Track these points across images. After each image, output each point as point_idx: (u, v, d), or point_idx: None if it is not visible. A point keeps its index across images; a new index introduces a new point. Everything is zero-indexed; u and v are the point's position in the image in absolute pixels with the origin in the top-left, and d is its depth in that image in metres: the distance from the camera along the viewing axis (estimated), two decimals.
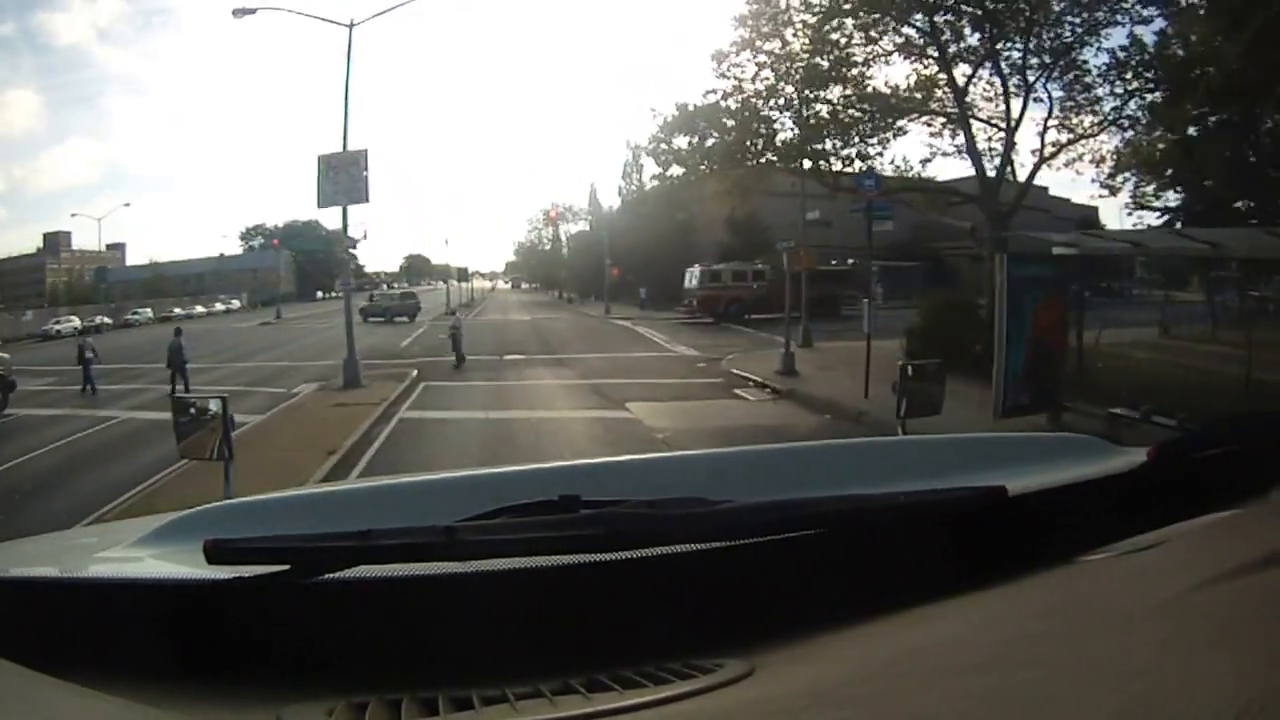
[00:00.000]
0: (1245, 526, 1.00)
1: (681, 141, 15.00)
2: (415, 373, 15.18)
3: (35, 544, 1.49)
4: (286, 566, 0.85)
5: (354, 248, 69.67)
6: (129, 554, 1.11)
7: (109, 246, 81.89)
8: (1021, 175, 15.27)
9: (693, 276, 28.39)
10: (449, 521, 0.87)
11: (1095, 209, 32.84)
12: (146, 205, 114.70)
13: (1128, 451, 1.32)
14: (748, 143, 14.66)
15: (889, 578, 0.92)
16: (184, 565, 0.98)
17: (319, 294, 65.31)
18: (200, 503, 1.30)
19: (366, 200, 14.00)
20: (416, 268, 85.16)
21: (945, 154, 15.88)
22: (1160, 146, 15.60)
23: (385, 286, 67.86)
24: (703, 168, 15.43)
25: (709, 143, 14.71)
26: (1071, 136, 15.07)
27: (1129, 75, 14.17)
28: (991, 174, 14.83)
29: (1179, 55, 13.46)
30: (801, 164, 15.00)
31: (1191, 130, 14.72)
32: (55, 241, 68.98)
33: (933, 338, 13.30)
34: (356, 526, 0.87)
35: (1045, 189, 25.36)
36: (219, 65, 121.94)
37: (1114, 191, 19.40)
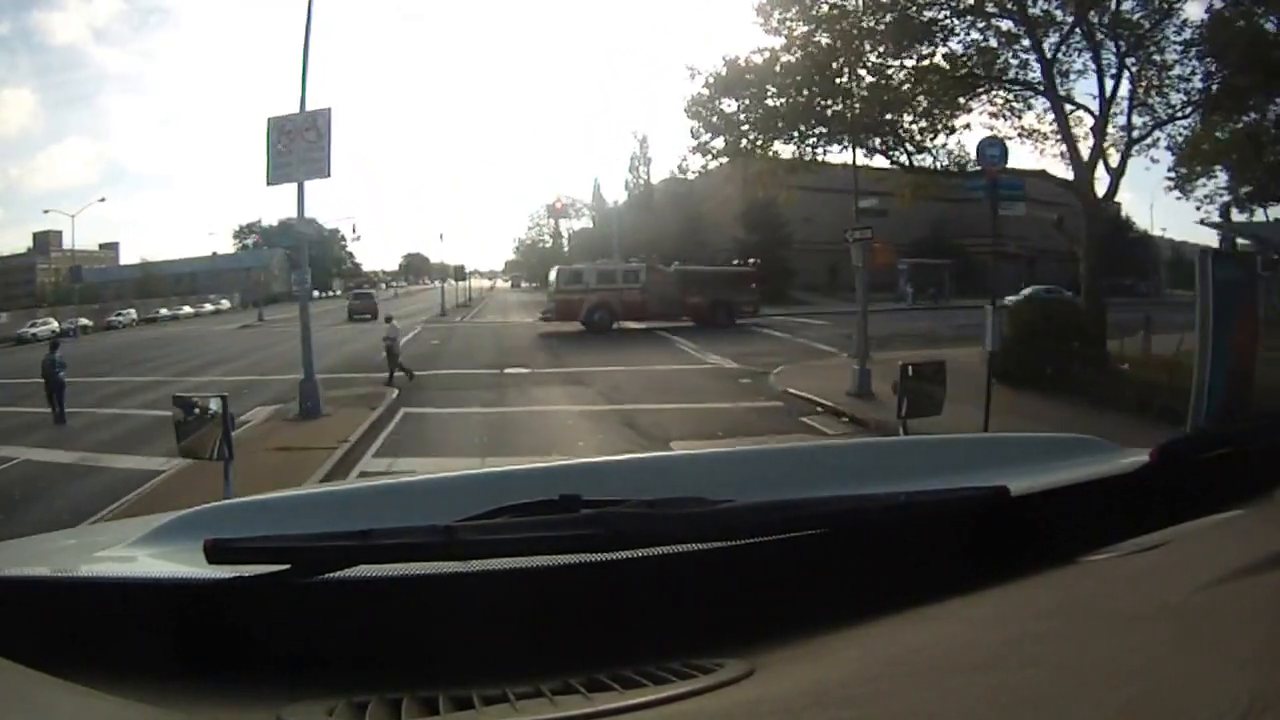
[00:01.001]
0: (1248, 527, 1.00)
1: (731, 105, 12.34)
2: (395, 393, 12.40)
3: (35, 544, 1.45)
4: (286, 566, 0.84)
5: (345, 242, 67.78)
6: (129, 554, 1.10)
7: (102, 246, 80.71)
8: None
9: (552, 276, 24.61)
10: (449, 521, 0.87)
11: (1118, 204, 30.27)
12: (144, 204, 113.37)
13: (1130, 452, 1.31)
14: (820, 104, 12.01)
15: (890, 578, 0.91)
16: (184, 565, 0.97)
17: (315, 293, 63.99)
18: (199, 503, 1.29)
19: (327, 174, 10.69)
20: (415, 266, 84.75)
21: (1005, 138, 13.80)
22: (1219, 134, 14.45)
23: (384, 286, 66.59)
24: (752, 137, 12.72)
25: (770, 103, 12.02)
26: (1155, 120, 13.22)
27: (1206, 56, 12.64)
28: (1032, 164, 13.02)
29: (1238, 34, 11.97)
30: (870, 140, 12.36)
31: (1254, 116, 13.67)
32: (45, 241, 68.23)
33: (1025, 349, 11.27)
34: (356, 526, 0.86)
35: (1067, 182, 24.02)
36: (216, 62, 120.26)
37: (1179, 183, 17.16)
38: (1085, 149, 12.74)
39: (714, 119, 12.76)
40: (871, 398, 10.64)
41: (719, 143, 13.08)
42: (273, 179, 10.92)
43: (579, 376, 13.98)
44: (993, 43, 13.01)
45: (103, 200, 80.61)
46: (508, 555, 0.87)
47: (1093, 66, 12.67)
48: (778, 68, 12.20)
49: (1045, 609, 0.83)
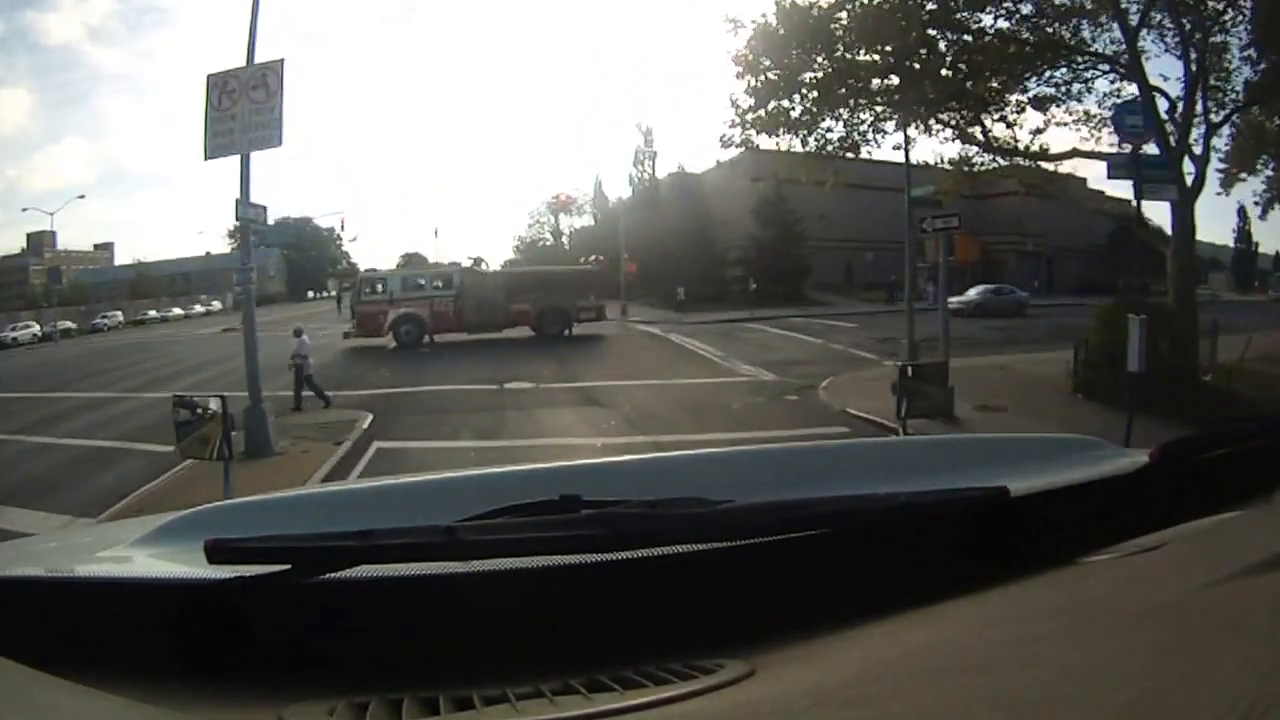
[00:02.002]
0: (1248, 528, 0.98)
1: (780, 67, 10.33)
2: (369, 420, 9.99)
3: (35, 544, 1.47)
4: (287, 566, 0.83)
5: (340, 241, 66.25)
6: (129, 554, 1.09)
7: (97, 246, 79.53)
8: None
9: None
10: (450, 521, 0.87)
11: (1128, 200, 29.81)
12: (143, 205, 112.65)
13: (1130, 452, 1.29)
14: (923, 52, 10.10)
15: (891, 578, 0.91)
16: (184, 565, 0.97)
17: (310, 294, 63.65)
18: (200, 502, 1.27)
19: (278, 143, 8.33)
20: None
21: (1059, 123, 12.33)
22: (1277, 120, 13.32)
23: None
24: (808, 104, 10.75)
25: (849, 57, 10.03)
26: (1220, 105, 11.97)
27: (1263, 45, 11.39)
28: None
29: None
30: (948, 110, 10.48)
31: None
32: (39, 241, 67.36)
33: (1117, 354, 9.46)
34: (357, 526, 0.86)
35: (1084, 180, 23.04)
36: (212, 61, 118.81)
37: (1226, 177, 16.02)
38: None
39: (772, 75, 10.69)
40: (955, 422, 8.75)
41: (762, 112, 11.06)
42: (211, 151, 8.51)
43: (595, 394, 11.78)
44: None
45: (82, 197, 79.36)
46: (508, 555, 0.86)
47: (1159, 47, 11.66)
48: (843, 16, 10.24)
49: (1045, 610, 0.83)
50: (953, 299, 25.11)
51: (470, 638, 0.85)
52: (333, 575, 0.83)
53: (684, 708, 0.67)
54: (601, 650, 0.80)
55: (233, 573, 0.82)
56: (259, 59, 8.15)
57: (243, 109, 8.34)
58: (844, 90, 10.74)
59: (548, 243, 63.70)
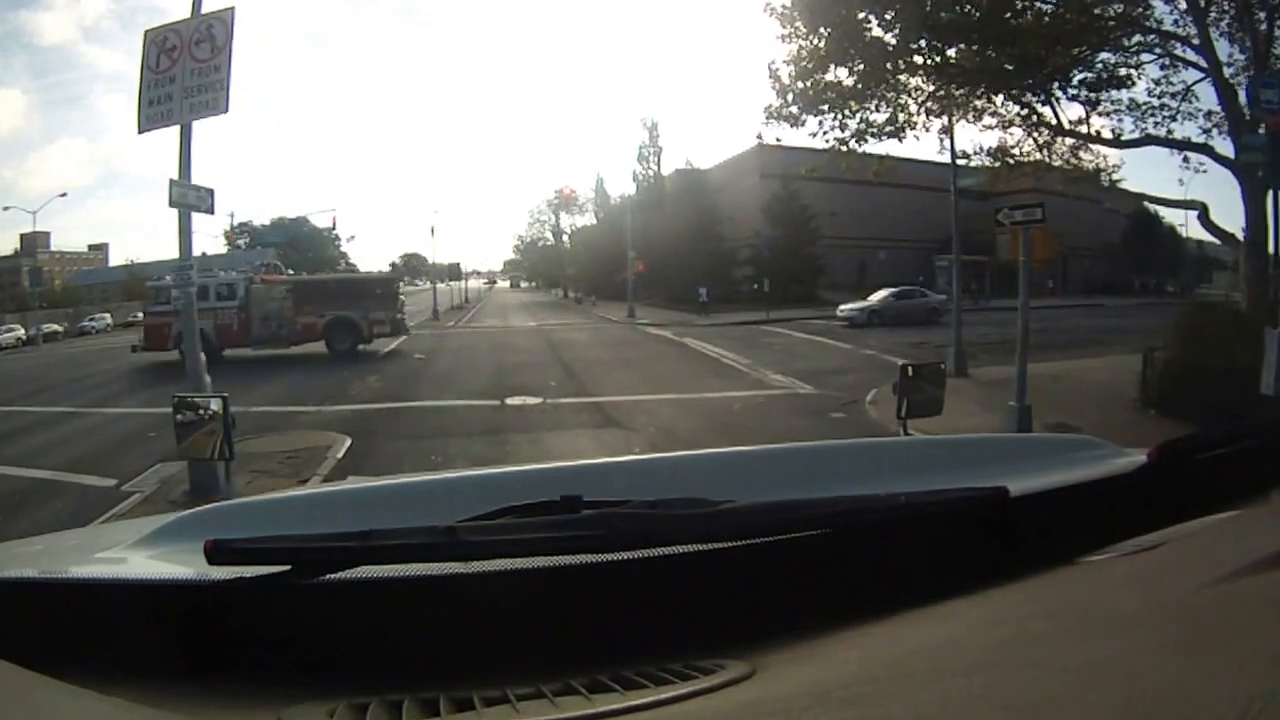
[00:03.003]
0: (1246, 527, 0.98)
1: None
2: (345, 447, 8.37)
3: (35, 544, 1.42)
4: (287, 567, 0.83)
5: (339, 241, 65.00)
6: (129, 554, 1.09)
7: (91, 247, 78.59)
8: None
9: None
10: (450, 522, 0.87)
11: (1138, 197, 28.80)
12: (143, 205, 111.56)
13: (1129, 452, 1.30)
14: (1018, 7, 8.84)
15: (890, 578, 0.91)
16: (184, 565, 0.97)
17: None
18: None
19: (224, 109, 6.81)
20: (414, 267, 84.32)
21: (1100, 112, 11.03)
22: None
23: None
24: (847, 76, 9.36)
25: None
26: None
27: None
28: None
29: None
30: (1028, 83, 9.20)
31: None
32: (33, 243, 66.50)
33: (1191, 366, 8.82)
34: (357, 526, 0.86)
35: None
36: None
37: None
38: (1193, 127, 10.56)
39: (825, 31, 9.28)
40: None
41: (806, 83, 9.67)
42: (145, 122, 6.88)
43: (612, 412, 10.05)
44: None
45: (63, 195, 77.91)
46: (509, 556, 0.86)
47: (1213, 31, 10.16)
48: None
49: (1045, 609, 0.83)
50: (845, 306, 23.03)
51: (471, 638, 0.85)
52: (333, 576, 0.83)
53: (684, 708, 0.67)
54: (602, 650, 0.81)
55: (233, 573, 0.83)
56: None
57: (183, 69, 6.80)
58: (898, 65, 9.39)
59: (548, 242, 62.45)
